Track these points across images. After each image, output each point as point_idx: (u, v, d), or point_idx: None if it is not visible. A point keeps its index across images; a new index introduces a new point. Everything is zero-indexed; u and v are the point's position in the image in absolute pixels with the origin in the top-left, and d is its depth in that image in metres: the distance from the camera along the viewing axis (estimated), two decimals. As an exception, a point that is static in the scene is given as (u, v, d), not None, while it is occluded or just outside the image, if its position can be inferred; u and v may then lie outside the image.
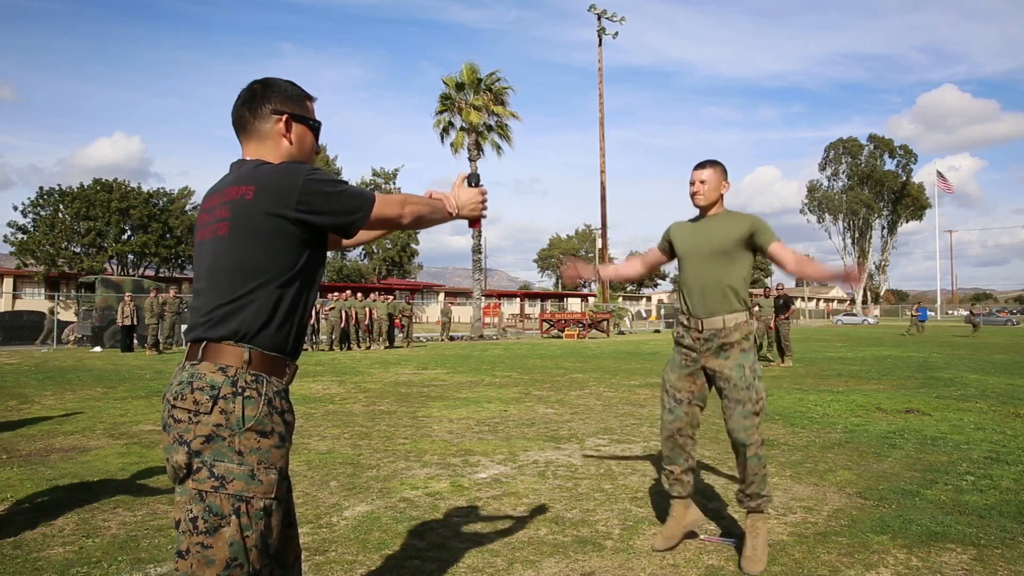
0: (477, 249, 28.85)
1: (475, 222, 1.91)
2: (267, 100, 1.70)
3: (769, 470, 3.02)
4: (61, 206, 38.39)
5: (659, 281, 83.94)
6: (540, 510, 3.71)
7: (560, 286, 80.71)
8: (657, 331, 36.70)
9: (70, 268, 37.88)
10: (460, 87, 27.85)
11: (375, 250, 59.48)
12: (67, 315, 25.05)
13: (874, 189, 72.63)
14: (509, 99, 28.38)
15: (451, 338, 25.69)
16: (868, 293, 75.87)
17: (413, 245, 61.06)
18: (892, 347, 19.40)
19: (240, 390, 1.52)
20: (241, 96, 1.74)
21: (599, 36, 34.16)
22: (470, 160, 28.35)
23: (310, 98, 1.78)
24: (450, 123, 28.28)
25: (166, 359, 14.89)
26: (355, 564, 2.93)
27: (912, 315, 31.54)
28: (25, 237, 37.55)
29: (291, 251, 1.59)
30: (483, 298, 30.35)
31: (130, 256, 40.95)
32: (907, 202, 72.52)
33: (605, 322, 28.88)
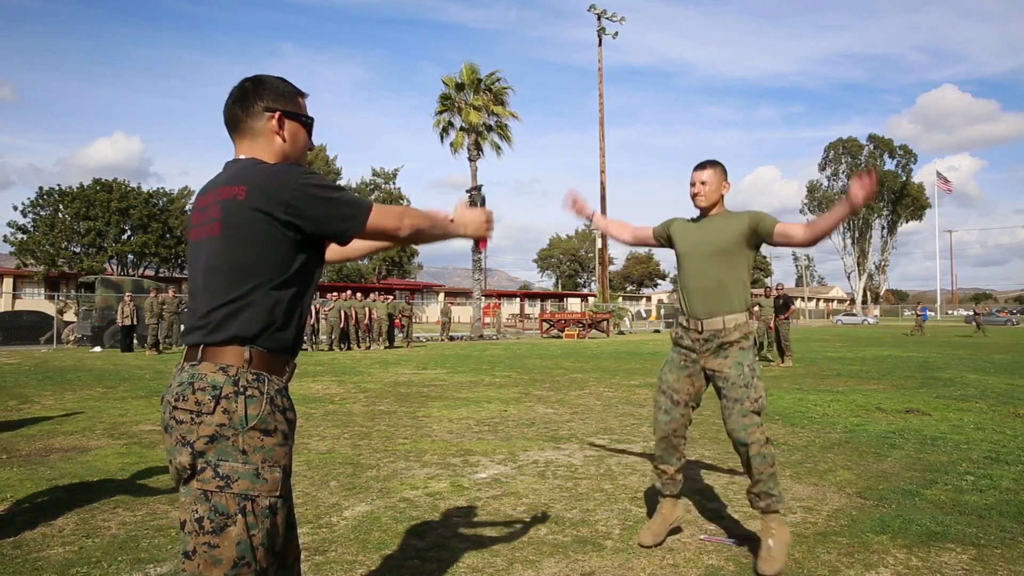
0: (477, 249, 28.83)
1: (481, 242, 1.87)
2: (259, 98, 1.68)
3: (778, 469, 2.96)
4: (61, 206, 38.38)
5: (659, 281, 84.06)
6: (540, 510, 3.71)
7: (560, 286, 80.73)
8: (657, 331, 36.71)
9: (70, 268, 37.88)
10: (460, 87, 27.85)
11: (375, 250, 59.38)
12: (67, 315, 25.07)
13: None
14: (509, 99, 28.41)
15: (451, 338, 25.69)
16: (868, 293, 75.89)
17: (413, 245, 61.04)
18: (892, 347, 19.40)
19: (242, 389, 1.52)
20: (232, 94, 1.71)
21: (599, 36, 34.16)
22: (470, 160, 28.35)
23: (302, 94, 1.76)
24: (450, 123, 28.28)
25: (166, 359, 14.89)
26: (355, 564, 2.93)
27: (916, 315, 31.56)
28: (25, 237, 37.54)
29: (285, 253, 1.57)
30: (483, 298, 30.34)
31: (130, 256, 40.95)
32: (907, 202, 72.59)
33: (605, 322, 28.87)
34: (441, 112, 28.14)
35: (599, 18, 34.09)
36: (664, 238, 3.31)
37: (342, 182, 62.65)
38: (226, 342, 1.54)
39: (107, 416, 6.83)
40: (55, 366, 12.75)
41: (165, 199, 42.52)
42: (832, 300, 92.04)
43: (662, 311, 48.31)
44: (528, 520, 3.54)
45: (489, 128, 28.35)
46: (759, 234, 3.02)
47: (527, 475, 4.49)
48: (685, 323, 3.12)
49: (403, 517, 3.57)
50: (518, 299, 60.89)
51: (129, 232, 40.36)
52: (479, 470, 4.63)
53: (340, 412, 7.19)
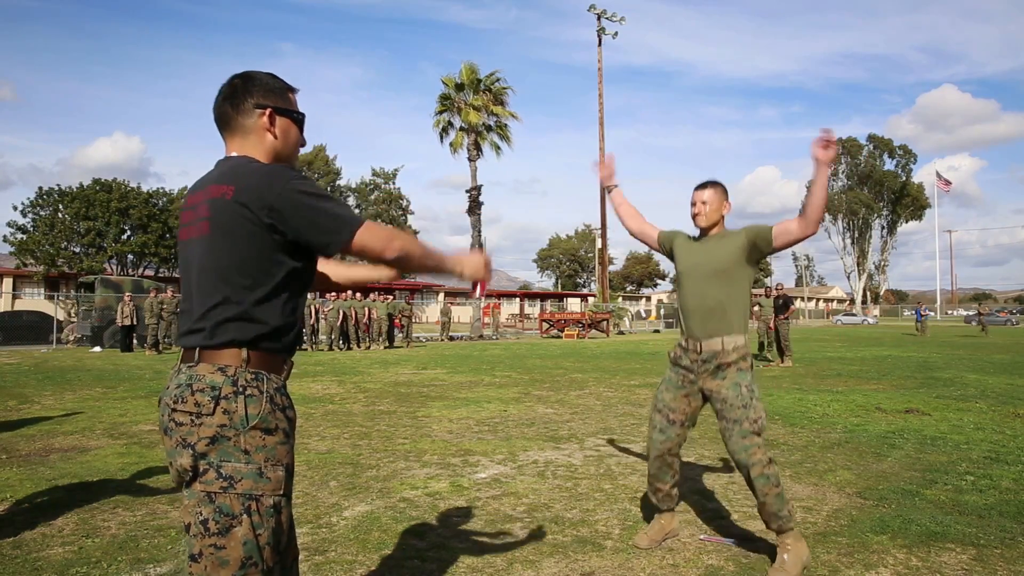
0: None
1: (478, 285, 1.83)
2: (249, 94, 1.65)
3: (784, 487, 2.93)
4: (60, 206, 38.36)
5: (659, 281, 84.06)
6: (540, 510, 3.71)
7: (560, 286, 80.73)
8: (657, 331, 36.71)
9: (70, 268, 37.86)
10: (459, 87, 27.85)
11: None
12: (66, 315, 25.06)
13: (874, 189, 72.73)
14: (508, 99, 28.39)
15: (451, 338, 25.69)
16: (868, 293, 75.92)
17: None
18: (892, 347, 19.40)
19: (241, 389, 1.50)
20: (222, 92, 1.68)
21: (599, 36, 34.17)
22: (469, 160, 28.35)
23: (292, 89, 1.73)
24: (449, 123, 28.28)
25: (166, 359, 14.89)
26: (355, 564, 2.93)
27: (923, 315, 31.65)
28: (25, 237, 37.54)
29: (273, 255, 1.54)
30: (483, 298, 30.32)
31: (130, 256, 40.93)
32: (907, 202, 72.64)
33: (605, 322, 28.88)
34: (441, 112, 28.14)
35: (599, 18, 34.11)
36: (666, 247, 3.30)
37: (342, 182, 62.67)
38: (223, 345, 1.52)
39: (107, 416, 6.83)
40: (55, 366, 12.75)
41: (165, 199, 42.50)
42: (832, 300, 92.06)
43: (662, 311, 48.33)
44: (528, 520, 3.54)
45: (489, 128, 28.34)
46: (759, 247, 2.99)
47: (527, 475, 4.49)
48: (684, 343, 3.10)
49: (403, 517, 3.57)
50: (518, 299, 60.89)
51: (129, 232, 40.35)
52: (479, 470, 4.63)
53: (340, 412, 7.19)
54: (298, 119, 1.72)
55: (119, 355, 16.06)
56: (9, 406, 7.53)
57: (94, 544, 3.15)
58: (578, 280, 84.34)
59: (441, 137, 28.43)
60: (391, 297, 23.44)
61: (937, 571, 2.86)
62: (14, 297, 36.24)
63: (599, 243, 36.07)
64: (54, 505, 3.77)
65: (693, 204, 3.14)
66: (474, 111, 27.37)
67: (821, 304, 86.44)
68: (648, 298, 75.77)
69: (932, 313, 35.68)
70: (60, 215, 38.44)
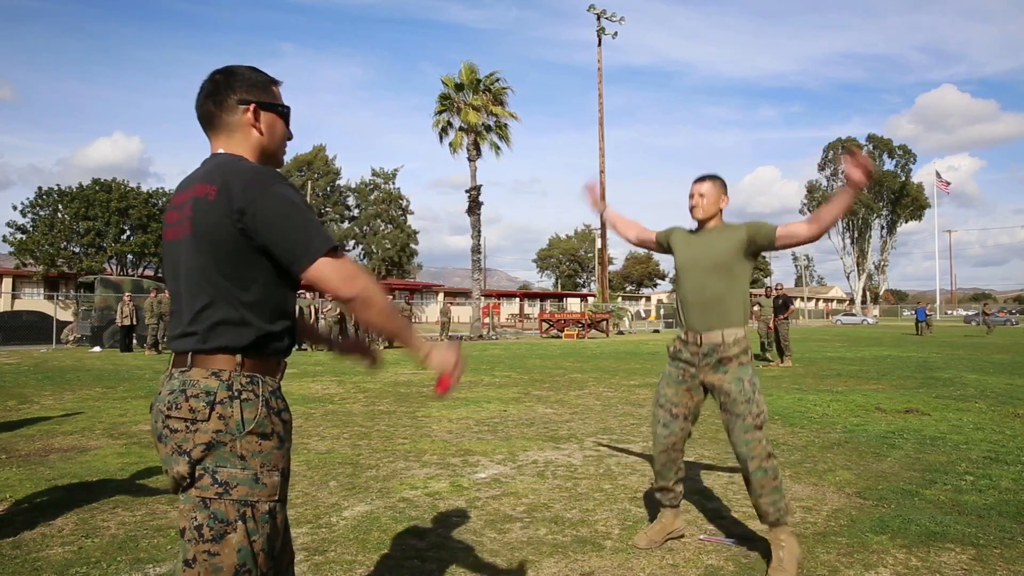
0: (476, 249, 28.84)
1: (442, 383, 1.66)
2: (232, 90, 1.60)
3: (783, 481, 2.95)
4: (60, 206, 38.34)
5: (658, 281, 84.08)
6: (540, 510, 3.71)
7: (559, 286, 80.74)
8: (656, 331, 36.71)
9: (69, 268, 37.84)
10: (459, 87, 27.84)
11: (374, 250, 59.49)
12: (66, 315, 25.06)
13: (873, 189, 72.68)
14: (508, 99, 28.38)
15: (450, 338, 25.70)
16: (867, 293, 75.91)
17: (412, 245, 61.10)
18: (891, 347, 19.41)
19: (236, 393, 1.47)
20: (204, 89, 1.63)
21: (599, 36, 34.16)
22: (469, 160, 28.34)
23: (275, 82, 1.68)
24: (449, 123, 28.26)
25: (165, 359, 14.84)
26: (355, 564, 2.93)
27: (928, 315, 31.76)
28: (24, 237, 37.52)
29: (255, 259, 1.49)
30: (482, 298, 30.34)
31: (129, 256, 40.90)
32: (906, 202, 72.62)
33: (604, 322, 28.87)
34: (440, 112, 28.13)
35: (599, 18, 34.10)
36: (665, 244, 3.30)
37: (342, 182, 62.66)
38: (217, 350, 1.49)
39: (106, 416, 6.83)
40: (54, 366, 12.74)
41: (165, 199, 42.45)
42: (832, 300, 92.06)
43: (661, 311, 48.32)
44: (528, 520, 3.54)
45: (488, 128, 28.33)
46: (759, 244, 3.01)
47: (527, 475, 4.49)
48: (684, 336, 3.11)
49: (403, 517, 3.57)
50: (517, 299, 60.88)
51: (128, 232, 40.32)
52: (479, 470, 4.63)
53: (340, 412, 7.19)
54: (283, 112, 1.68)
55: (119, 355, 16.06)
56: (9, 406, 7.53)
57: (94, 544, 3.15)
58: (578, 280, 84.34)
59: (441, 137, 28.43)
60: (391, 297, 23.42)
61: (937, 571, 2.86)
62: (14, 297, 36.22)
63: (599, 243, 36.07)
64: (54, 505, 3.77)
65: (691, 196, 3.14)
66: (473, 111, 27.36)
67: (821, 304, 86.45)
68: (648, 298, 75.78)
69: (932, 314, 35.64)
70: (60, 215, 38.41)
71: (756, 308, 13.95)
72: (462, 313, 43.26)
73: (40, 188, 39.01)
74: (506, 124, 28.46)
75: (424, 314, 49.66)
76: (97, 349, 18.09)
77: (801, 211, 76.82)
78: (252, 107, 1.61)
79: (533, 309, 53.66)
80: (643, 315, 53.52)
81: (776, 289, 14.70)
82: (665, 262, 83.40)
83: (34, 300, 35.96)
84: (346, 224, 62.79)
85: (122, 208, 39.07)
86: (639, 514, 3.64)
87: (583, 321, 28.49)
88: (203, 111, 1.63)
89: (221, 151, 1.61)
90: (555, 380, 10.54)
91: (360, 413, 7.14)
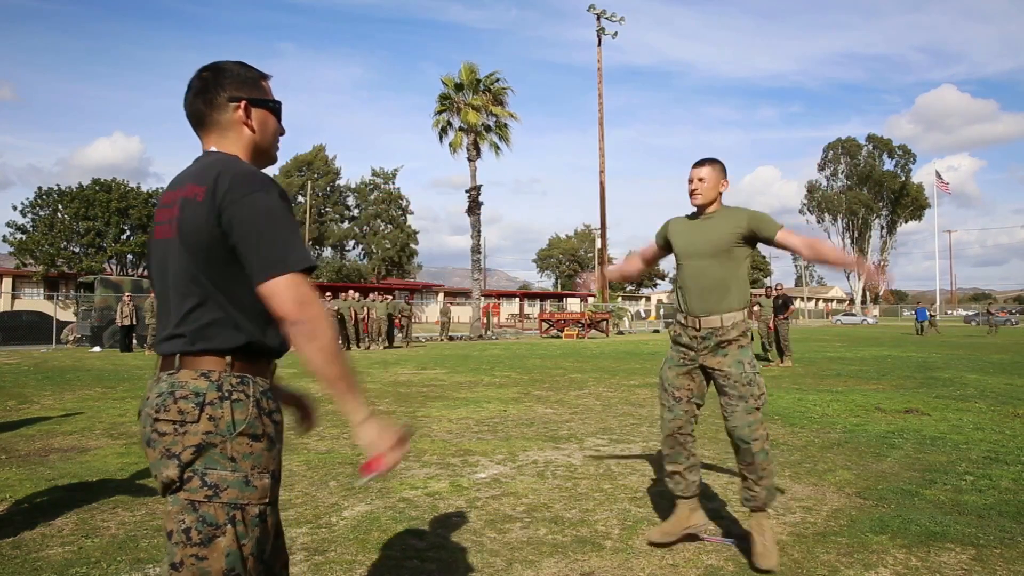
0: (476, 249, 28.85)
1: (370, 465, 1.50)
2: (221, 88, 1.56)
3: (776, 468, 3.00)
4: (60, 206, 38.35)
5: (658, 281, 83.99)
6: (539, 510, 3.71)
7: (559, 286, 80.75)
8: (656, 331, 36.70)
9: (69, 268, 37.84)
10: (459, 87, 27.84)
11: (374, 250, 59.49)
12: (66, 315, 25.06)
13: (873, 189, 72.72)
14: (508, 99, 28.39)
15: (450, 338, 25.69)
16: (867, 293, 75.88)
17: (412, 245, 61.11)
18: (891, 347, 19.41)
19: (227, 394, 1.43)
20: (192, 87, 1.58)
21: (598, 36, 34.15)
22: (469, 160, 28.35)
23: (265, 76, 1.63)
24: (449, 123, 28.27)
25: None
26: (355, 564, 2.93)
27: (931, 315, 31.71)
28: (24, 237, 37.53)
29: (240, 261, 1.44)
30: (482, 298, 30.34)
31: (129, 256, 40.89)
32: (906, 202, 72.59)
33: (604, 322, 28.86)
34: (440, 112, 28.13)
35: (599, 18, 34.10)
36: (664, 243, 3.29)
37: (341, 182, 62.65)
38: (205, 351, 1.45)
39: (106, 416, 6.83)
40: (54, 366, 12.74)
41: (164, 199, 42.46)
42: (831, 300, 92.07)
43: (661, 311, 48.32)
44: (527, 520, 3.54)
45: (488, 128, 28.34)
46: (758, 237, 3.03)
47: (526, 475, 4.49)
48: (683, 320, 3.12)
49: (403, 517, 3.57)
50: (517, 299, 60.89)
51: (128, 232, 40.31)
52: (478, 470, 4.63)
53: (340, 412, 7.18)
54: (274, 108, 1.63)
55: (119, 355, 16.06)
56: (9, 406, 7.53)
57: (94, 544, 3.15)
58: (578, 280, 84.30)
59: (441, 137, 28.45)
60: (390, 297, 23.44)
61: (936, 571, 2.86)
62: (13, 297, 36.22)
63: (599, 243, 36.07)
64: (54, 505, 3.77)
65: (690, 181, 3.14)
66: (473, 111, 27.37)
67: (821, 304, 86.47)
68: (648, 298, 75.80)
69: (936, 314, 35.53)
70: (60, 215, 38.42)
71: (756, 308, 13.95)
72: (462, 313, 43.26)
73: (40, 188, 39.04)
74: (506, 124, 28.48)
75: (424, 314, 49.66)
76: (97, 349, 18.09)
77: (800, 211, 76.82)
78: (243, 104, 1.57)
79: (533, 309, 53.66)
80: (643, 315, 53.54)
81: (776, 289, 14.70)
82: (664, 262, 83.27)
83: (34, 300, 35.95)
84: (346, 224, 62.80)
85: (122, 208, 39.08)
86: (639, 514, 3.64)
87: (583, 321, 28.48)
88: (193, 110, 1.59)
89: (214, 149, 1.58)
90: (555, 380, 10.54)
91: (360, 413, 7.13)
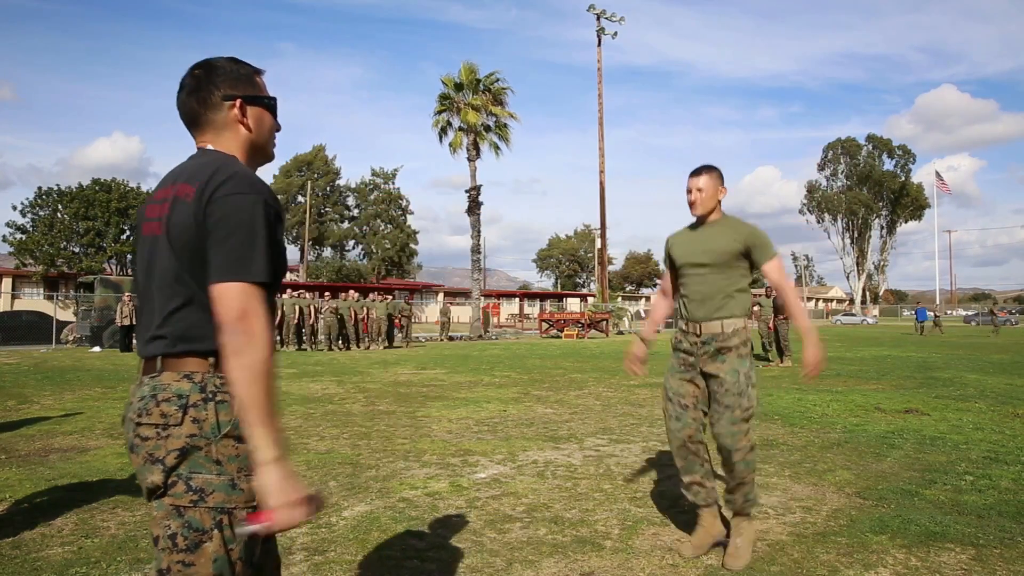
0: (476, 249, 28.85)
1: (261, 516, 1.35)
2: (215, 86, 1.52)
3: (758, 476, 3.02)
4: (60, 206, 38.36)
5: (658, 281, 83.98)
6: (539, 510, 3.71)
7: (559, 286, 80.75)
8: (656, 331, 36.69)
9: (69, 268, 37.84)
10: (459, 87, 27.84)
11: (374, 250, 59.49)
12: (66, 315, 25.06)
13: (873, 189, 72.69)
14: (508, 99, 28.39)
15: (450, 338, 25.69)
16: (867, 293, 75.90)
17: (412, 245, 61.11)
18: (891, 347, 19.41)
19: (211, 395, 1.39)
20: (185, 86, 1.54)
21: (598, 36, 34.14)
22: (468, 160, 28.36)
23: (259, 72, 1.59)
24: (448, 123, 28.27)
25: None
26: (355, 564, 2.93)
27: (935, 315, 31.67)
28: (24, 237, 37.53)
29: None
30: (482, 298, 30.34)
31: (129, 256, 40.90)
32: (906, 202, 72.54)
33: (604, 322, 28.87)
34: (440, 112, 28.13)
35: (598, 18, 34.07)
36: (671, 263, 3.28)
37: (341, 182, 62.65)
38: (188, 353, 1.41)
39: (106, 416, 6.83)
40: (54, 366, 12.74)
41: (164, 199, 42.46)
42: (831, 300, 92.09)
43: (661, 311, 48.22)
44: (527, 520, 3.54)
45: (488, 128, 28.34)
46: (750, 257, 3.04)
47: (526, 475, 4.49)
48: (684, 327, 3.13)
49: (402, 517, 3.57)
50: (517, 299, 60.89)
51: (128, 232, 40.33)
52: (478, 470, 4.63)
53: (340, 412, 7.19)
54: (270, 105, 1.59)
55: (118, 355, 16.05)
56: (8, 406, 7.53)
57: (93, 544, 3.15)
58: (577, 280, 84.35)
59: (440, 137, 28.45)
60: (390, 297, 23.45)
61: (936, 571, 2.86)
62: (13, 297, 36.22)
63: (598, 243, 36.06)
64: (53, 505, 3.77)
65: (688, 192, 3.13)
66: (473, 111, 27.37)
67: (821, 304, 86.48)
68: (648, 298, 75.75)
69: (940, 314, 35.40)
70: (59, 215, 38.43)
71: (756, 308, 13.95)
72: (462, 313, 43.27)
73: (40, 188, 39.05)
74: (506, 124, 28.48)
75: (424, 314, 49.66)
76: (97, 349, 18.09)
77: (801, 211, 76.74)
78: (238, 103, 1.53)
79: (533, 309, 53.65)
80: (643, 315, 53.46)
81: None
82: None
83: (34, 300, 35.93)
84: (346, 224, 62.82)
85: (122, 208, 39.08)
86: (639, 514, 3.64)
87: (583, 321, 28.49)
88: (186, 109, 1.55)
89: (210, 147, 1.54)
90: (555, 380, 10.54)
91: (360, 413, 7.13)
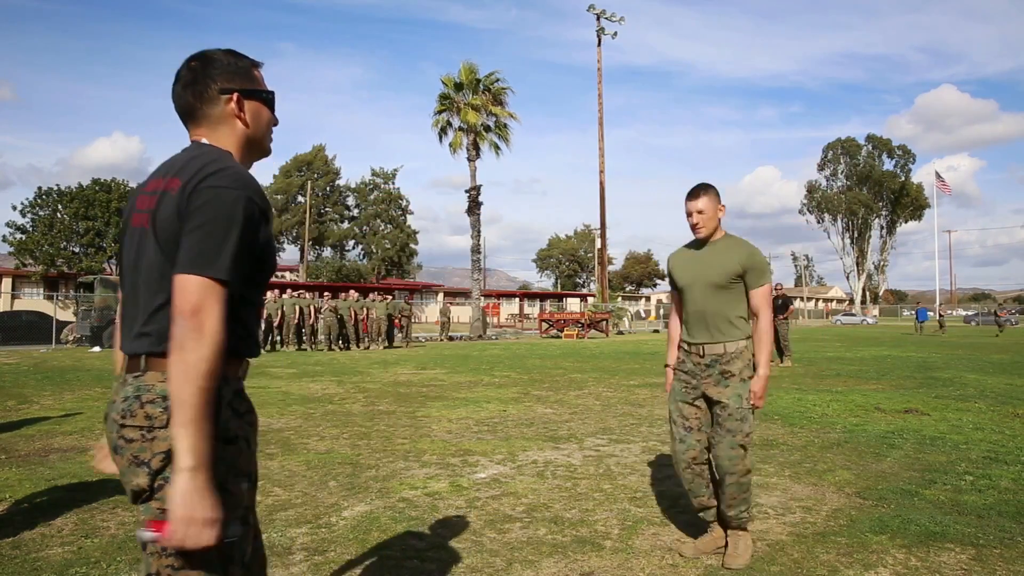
0: (476, 249, 28.85)
1: (162, 526, 1.28)
2: (211, 79, 1.47)
3: (758, 476, 3.04)
4: (60, 206, 38.37)
5: (658, 281, 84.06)
6: (539, 510, 3.71)
7: (559, 286, 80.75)
8: (656, 331, 36.69)
9: (69, 268, 37.85)
10: (459, 87, 27.85)
11: (374, 250, 59.49)
12: (66, 315, 25.06)
13: (873, 189, 72.69)
14: (508, 99, 28.41)
15: (450, 338, 25.69)
16: (867, 293, 75.90)
17: (412, 245, 61.11)
18: (891, 347, 19.41)
19: None
20: (181, 78, 1.49)
21: (598, 36, 34.14)
22: (468, 160, 28.36)
23: (256, 65, 1.55)
24: (448, 123, 28.29)
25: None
26: (355, 564, 2.93)
27: (940, 316, 31.69)
28: (24, 237, 37.54)
29: None
30: (482, 298, 30.34)
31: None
32: (906, 202, 72.53)
33: (604, 322, 28.87)
34: (440, 112, 28.15)
35: (598, 18, 34.07)
36: (673, 283, 3.29)
37: (341, 182, 62.63)
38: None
39: (106, 416, 6.83)
40: (54, 366, 12.74)
41: (164, 199, 42.45)
42: (831, 300, 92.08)
43: (661, 311, 48.32)
44: (527, 520, 3.54)
45: (487, 128, 28.35)
46: (744, 280, 3.05)
47: (526, 475, 4.49)
48: (687, 348, 3.13)
49: (402, 517, 3.57)
50: (517, 299, 60.89)
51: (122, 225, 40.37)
52: (478, 470, 4.63)
53: (339, 412, 7.19)
54: (267, 99, 1.55)
55: (118, 355, 16.03)
56: (8, 406, 7.53)
57: (93, 544, 3.15)
58: (577, 280, 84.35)
59: (440, 137, 28.46)
60: (390, 297, 23.45)
61: (936, 571, 2.86)
62: (13, 297, 36.22)
63: (598, 243, 36.06)
64: (53, 505, 3.77)
65: (689, 215, 3.12)
66: (473, 111, 27.38)
67: (820, 304, 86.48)
68: (647, 298, 75.77)
69: (943, 314, 35.36)
70: (59, 215, 38.43)
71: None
72: (462, 313, 43.28)
73: (40, 188, 39.03)
74: (506, 124, 28.50)
75: (424, 314, 49.66)
76: (97, 349, 18.08)
77: (800, 211, 76.72)
78: (235, 97, 1.49)
79: (533, 309, 53.66)
80: (643, 315, 53.53)
81: (776, 289, 14.69)
82: (665, 262, 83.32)
83: (34, 300, 35.93)
84: (346, 224, 62.81)
85: (122, 208, 39.09)
86: (639, 514, 3.64)
87: (583, 321, 28.48)
88: (182, 103, 1.51)
89: (205, 141, 1.50)
90: (555, 380, 10.54)
91: (360, 413, 7.14)
